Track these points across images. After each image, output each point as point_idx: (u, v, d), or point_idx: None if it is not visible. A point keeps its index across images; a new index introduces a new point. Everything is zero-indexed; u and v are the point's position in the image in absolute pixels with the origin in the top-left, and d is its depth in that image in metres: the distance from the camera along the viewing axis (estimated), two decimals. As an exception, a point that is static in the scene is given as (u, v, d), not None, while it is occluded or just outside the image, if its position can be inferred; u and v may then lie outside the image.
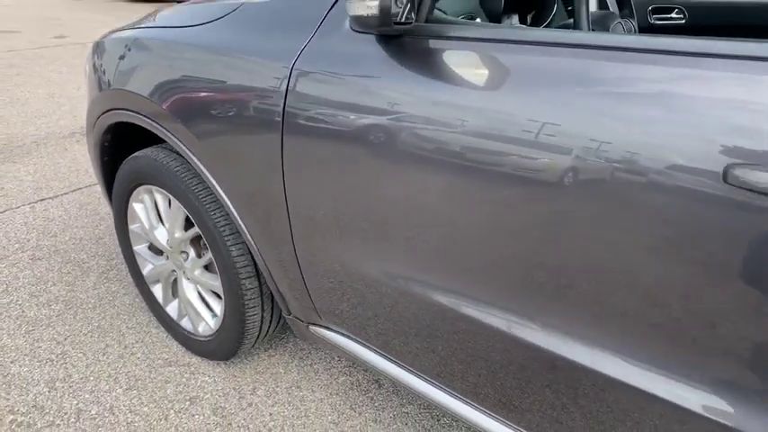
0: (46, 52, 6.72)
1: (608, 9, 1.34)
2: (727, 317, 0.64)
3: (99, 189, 2.82)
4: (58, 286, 2.02)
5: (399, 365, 1.17)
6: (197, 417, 1.47)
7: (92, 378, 1.59)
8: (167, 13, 1.47)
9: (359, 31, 0.90)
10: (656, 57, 0.68)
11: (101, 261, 2.19)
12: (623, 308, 0.73)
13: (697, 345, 0.68)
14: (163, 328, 1.78)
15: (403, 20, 0.76)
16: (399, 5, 0.75)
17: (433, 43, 0.87)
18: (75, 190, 2.85)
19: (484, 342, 0.92)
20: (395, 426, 1.45)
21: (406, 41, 0.88)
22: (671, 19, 1.93)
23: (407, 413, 1.49)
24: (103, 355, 1.68)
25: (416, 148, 0.86)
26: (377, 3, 0.73)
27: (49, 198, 2.75)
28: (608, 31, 1.19)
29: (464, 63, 0.84)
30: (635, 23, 1.34)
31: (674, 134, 0.64)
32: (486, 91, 0.80)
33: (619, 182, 0.67)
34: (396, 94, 0.87)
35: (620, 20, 1.22)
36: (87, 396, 1.53)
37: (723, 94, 0.62)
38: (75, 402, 1.50)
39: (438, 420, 1.47)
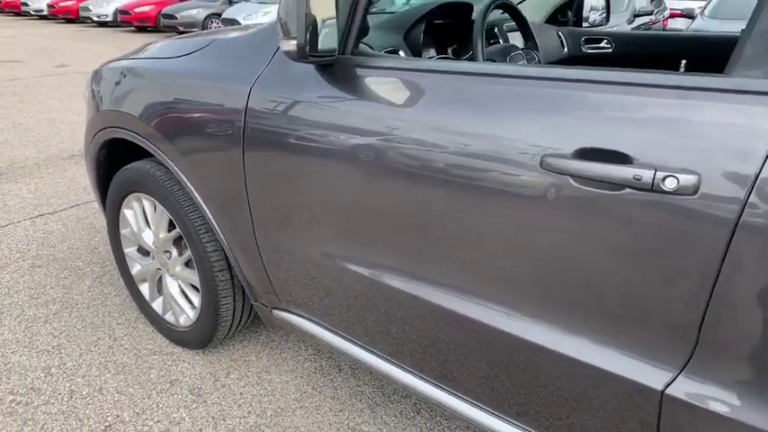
0: (48, 80, 7.02)
1: (509, 42, 1.60)
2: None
3: (95, 205, 3.05)
4: (56, 289, 2.22)
5: (346, 339, 1.38)
6: (176, 395, 1.66)
7: (84, 365, 1.79)
8: (156, 47, 1.72)
9: (300, 61, 1.14)
10: (505, 80, 0.92)
11: (95, 267, 2.40)
12: (532, 280, 0.93)
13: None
14: (149, 323, 1.99)
15: (316, 53, 1.00)
16: (310, 43, 0.99)
17: (357, 71, 1.11)
18: (73, 206, 3.07)
19: (415, 314, 1.13)
20: (350, 402, 1.65)
21: (336, 69, 1.13)
22: (601, 48, 2.20)
23: (362, 392, 1.69)
24: (95, 346, 1.88)
25: (342, 152, 1.09)
26: (294, 42, 0.98)
27: (49, 213, 2.97)
28: (505, 61, 1.43)
29: (380, 85, 1.08)
30: (539, 54, 1.59)
31: (504, 137, 0.88)
32: (394, 106, 1.03)
33: (480, 170, 0.90)
34: (327, 110, 1.11)
35: (520, 51, 1.47)
36: (79, 380, 1.72)
37: (533, 105, 0.86)
38: (69, 385, 1.70)
39: (389, 398, 1.67)
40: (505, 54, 1.39)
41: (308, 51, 0.98)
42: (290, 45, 0.99)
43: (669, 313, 0.78)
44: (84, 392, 1.67)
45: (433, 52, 1.47)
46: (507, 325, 0.97)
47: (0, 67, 8.18)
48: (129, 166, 1.74)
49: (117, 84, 1.69)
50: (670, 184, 0.72)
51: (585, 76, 0.84)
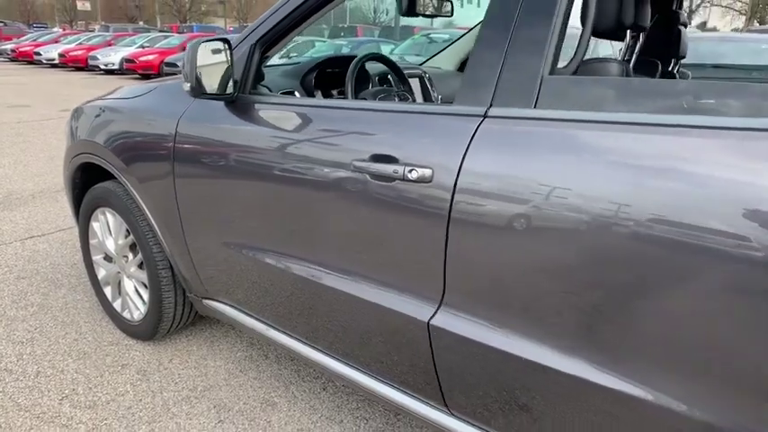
0: (51, 123, 7.55)
1: (388, 86, 2.02)
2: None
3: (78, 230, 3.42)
4: (36, 296, 2.58)
5: (258, 320, 1.72)
6: (125, 375, 1.99)
7: (51, 353, 2.12)
8: (123, 89, 2.14)
9: (197, 98, 1.54)
10: (337, 110, 1.32)
11: (72, 279, 2.76)
12: (356, 249, 1.28)
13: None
14: (111, 320, 2.33)
15: (206, 93, 1.41)
16: (204, 85, 1.39)
17: (255, 105, 1.51)
18: (59, 230, 3.45)
19: (317, 297, 1.45)
20: (269, 381, 1.97)
21: (237, 104, 1.52)
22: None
23: (281, 374, 2.02)
24: (63, 339, 2.22)
25: (239, 166, 1.47)
26: (189, 84, 1.38)
27: (38, 236, 3.35)
28: (375, 99, 1.83)
29: (266, 115, 1.48)
30: (412, 95, 2.00)
31: (334, 148, 1.26)
32: (275, 129, 1.42)
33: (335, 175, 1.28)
34: (230, 133, 1.50)
35: (395, 92, 1.88)
36: (46, 364, 2.05)
37: (349, 125, 1.25)
38: (36, 367, 2.03)
39: (302, 378, 1.99)
40: (377, 95, 1.79)
41: (200, 92, 1.38)
42: (187, 87, 1.39)
43: (425, 267, 1.14)
44: (48, 373, 2.00)
45: (319, 94, 1.89)
46: (344, 284, 1.33)
47: (9, 110, 8.76)
48: (97, 185, 2.13)
49: (89, 118, 2.09)
50: (413, 176, 1.09)
51: (373, 106, 1.24)
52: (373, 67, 2.01)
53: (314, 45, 14.48)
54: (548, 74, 1.00)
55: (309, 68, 1.89)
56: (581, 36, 1.10)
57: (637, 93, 0.97)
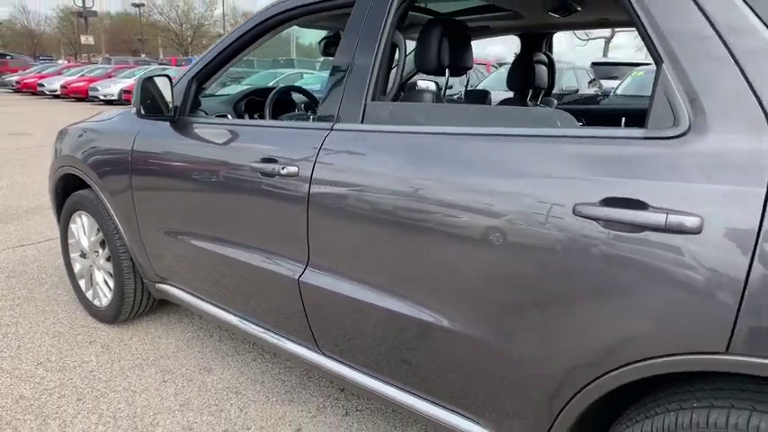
0: (48, 150, 8.03)
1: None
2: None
3: (64, 238, 3.84)
4: (22, 291, 2.99)
5: (200, 298, 2.13)
6: (90, 348, 2.40)
7: (31, 332, 2.53)
8: (101, 114, 2.60)
9: (142, 118, 2.00)
10: (247, 127, 1.77)
11: (54, 278, 3.18)
12: (259, 232, 1.72)
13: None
14: (84, 308, 2.74)
15: (147, 114, 1.87)
16: (149, 109, 1.86)
17: (191, 125, 1.96)
18: (48, 240, 3.88)
19: (227, 267, 1.87)
20: (210, 354, 2.38)
21: (178, 123, 1.98)
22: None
23: (221, 348, 2.42)
24: (42, 323, 2.63)
25: (175, 171, 1.92)
26: (135, 108, 1.84)
27: (28, 245, 3.78)
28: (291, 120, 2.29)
29: (200, 133, 1.93)
30: None
31: (245, 153, 1.71)
32: (205, 142, 1.87)
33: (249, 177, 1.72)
34: (171, 146, 1.96)
35: (308, 115, 2.34)
36: (26, 340, 2.46)
37: (255, 137, 1.70)
38: (18, 343, 2.44)
39: (237, 351, 2.40)
40: (293, 117, 2.25)
41: (144, 114, 1.85)
42: (134, 110, 1.85)
43: (296, 238, 1.57)
44: (27, 347, 2.41)
45: (247, 117, 2.36)
46: (242, 255, 1.76)
47: (10, 138, 9.28)
48: (75, 193, 2.58)
49: (72, 137, 2.55)
50: (285, 171, 1.54)
51: (268, 124, 1.73)
52: (298, 97, 2.51)
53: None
54: (370, 100, 1.46)
55: (239, 98, 2.37)
56: (396, 76, 1.57)
57: (425, 111, 1.42)
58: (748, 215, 0.87)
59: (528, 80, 2.21)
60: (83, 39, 31.59)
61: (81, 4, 32.04)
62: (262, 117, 2.37)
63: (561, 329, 1.09)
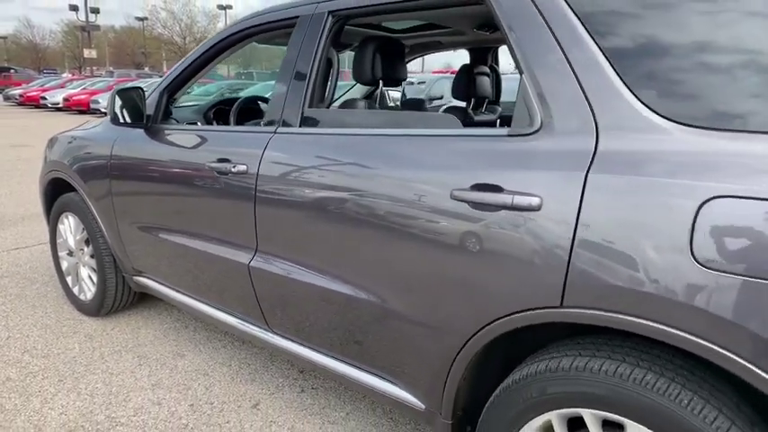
0: (48, 160, 8.29)
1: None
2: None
3: (57, 241, 4.06)
4: (14, 288, 3.21)
5: (172, 288, 2.35)
6: (74, 338, 2.61)
7: (20, 325, 2.74)
8: (87, 123, 2.84)
9: (129, 126, 2.23)
10: (210, 132, 2.00)
11: (45, 277, 3.40)
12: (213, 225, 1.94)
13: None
14: (71, 303, 2.95)
15: (121, 122, 2.10)
16: (122, 117, 2.09)
17: (163, 132, 2.19)
18: (40, 244, 4.11)
19: (191, 257, 2.09)
20: (184, 342, 2.58)
21: (151, 130, 2.21)
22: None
23: (194, 338, 2.63)
24: (31, 316, 2.84)
25: (149, 172, 2.14)
26: (109, 116, 2.07)
27: (22, 248, 4.00)
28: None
29: (172, 139, 2.15)
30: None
31: (199, 153, 1.93)
32: (176, 147, 2.09)
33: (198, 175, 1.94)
34: (145, 150, 2.18)
35: (259, 121, 2.57)
36: (15, 331, 2.67)
37: (208, 140, 1.92)
38: (7, 333, 2.65)
39: (209, 339, 2.61)
40: (256, 123, 2.48)
41: (117, 121, 2.08)
42: (108, 118, 2.08)
43: (246, 228, 1.78)
44: (16, 336, 2.62)
45: (215, 124, 2.59)
46: (200, 245, 1.97)
47: (12, 149, 9.55)
48: (63, 195, 2.80)
49: (61, 144, 2.78)
50: (236, 170, 1.76)
51: (226, 129, 1.95)
52: (265, 106, 2.74)
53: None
54: (307, 107, 1.68)
55: (208, 107, 2.61)
56: (330, 86, 1.79)
57: (350, 116, 1.65)
58: (573, 195, 1.09)
59: (471, 90, 2.44)
60: (86, 52, 32.12)
61: (84, 19, 32.61)
62: (227, 124, 2.60)
63: (446, 294, 1.30)
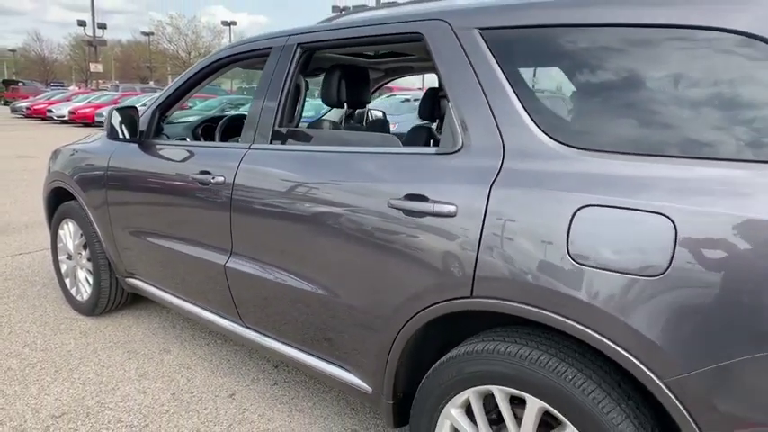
0: (52, 171, 8.57)
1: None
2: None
3: (58, 247, 4.29)
4: (17, 290, 3.44)
5: (160, 288, 2.57)
6: (71, 334, 2.83)
7: (21, 322, 2.97)
8: (88, 137, 3.09)
9: (125, 141, 2.47)
10: (197, 148, 2.24)
11: (46, 280, 3.63)
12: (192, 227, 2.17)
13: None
14: (68, 303, 3.18)
15: (116, 138, 2.34)
16: (117, 132, 2.33)
17: (155, 147, 2.43)
18: (43, 250, 4.34)
19: (184, 264, 2.32)
20: (171, 339, 2.80)
21: (143, 145, 2.45)
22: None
23: (181, 335, 2.85)
24: (32, 314, 3.07)
25: (141, 182, 2.38)
26: (106, 132, 2.31)
27: (25, 253, 4.24)
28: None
29: (162, 153, 2.39)
30: None
31: (179, 163, 2.16)
32: (165, 160, 2.33)
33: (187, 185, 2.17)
34: (137, 162, 2.42)
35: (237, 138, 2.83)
36: (17, 328, 2.90)
37: (189, 155, 2.16)
38: (9, 329, 2.87)
39: (194, 336, 2.83)
40: (234, 141, 2.73)
41: (114, 137, 2.33)
42: (104, 133, 2.33)
43: (222, 233, 2.01)
44: (17, 332, 2.84)
45: (202, 140, 2.84)
46: (182, 247, 2.20)
47: (18, 160, 9.85)
48: (64, 203, 3.05)
49: (64, 156, 3.03)
50: (215, 180, 1.99)
51: (208, 145, 2.19)
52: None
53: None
54: (277, 126, 1.93)
55: (197, 124, 2.87)
56: (299, 107, 2.04)
57: (311, 135, 1.89)
58: (480, 203, 1.32)
59: (435, 111, 2.68)
60: (92, 67, 32.72)
61: (92, 34, 33.28)
62: (213, 140, 2.86)
63: (385, 288, 1.52)
